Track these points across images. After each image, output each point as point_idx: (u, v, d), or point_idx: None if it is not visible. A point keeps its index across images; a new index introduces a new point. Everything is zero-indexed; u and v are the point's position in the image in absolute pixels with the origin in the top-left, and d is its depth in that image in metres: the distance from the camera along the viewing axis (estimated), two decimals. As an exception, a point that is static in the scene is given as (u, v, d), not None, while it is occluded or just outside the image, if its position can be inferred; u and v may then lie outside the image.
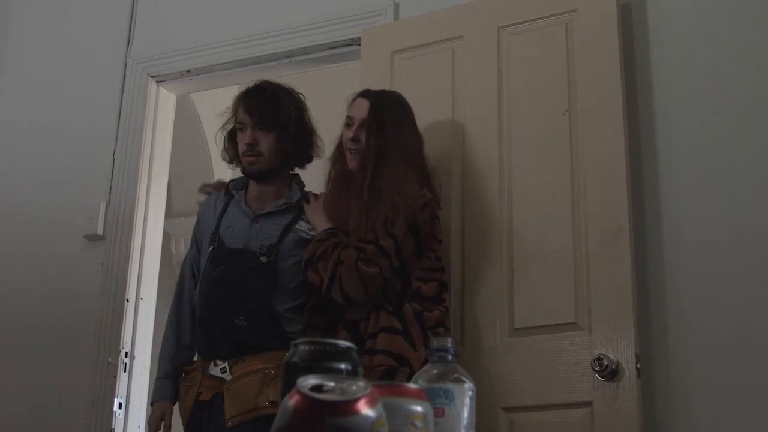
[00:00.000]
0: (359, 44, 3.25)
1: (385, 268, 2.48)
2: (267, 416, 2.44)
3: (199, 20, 3.75)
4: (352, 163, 2.66)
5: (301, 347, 0.95)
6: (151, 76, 3.73)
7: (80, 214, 3.61)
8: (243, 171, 2.80)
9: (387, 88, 3.06)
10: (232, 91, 4.06)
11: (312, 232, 2.65)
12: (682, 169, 2.73)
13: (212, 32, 3.66)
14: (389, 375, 2.34)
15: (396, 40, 3.15)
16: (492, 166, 2.83)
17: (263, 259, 2.63)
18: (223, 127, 2.84)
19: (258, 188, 2.78)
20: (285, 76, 3.69)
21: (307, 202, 2.74)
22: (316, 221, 2.66)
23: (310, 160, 2.84)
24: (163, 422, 2.66)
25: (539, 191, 2.75)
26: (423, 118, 2.99)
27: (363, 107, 2.68)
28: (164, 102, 3.78)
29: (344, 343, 0.95)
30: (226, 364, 2.56)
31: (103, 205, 3.59)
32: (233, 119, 2.79)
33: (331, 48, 3.43)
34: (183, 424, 2.64)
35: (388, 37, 3.18)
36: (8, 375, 3.53)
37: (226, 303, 2.60)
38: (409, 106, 2.75)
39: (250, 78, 3.61)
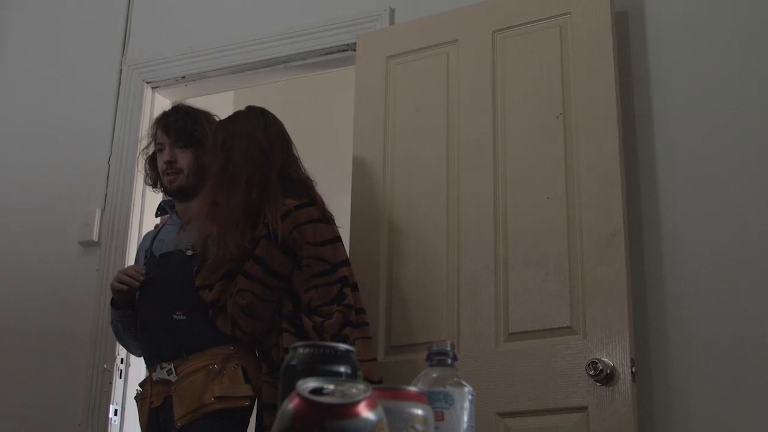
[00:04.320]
0: (355, 49, 3.25)
1: (258, 291, 2.49)
2: (214, 412, 2.47)
3: (194, 26, 3.75)
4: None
5: (300, 350, 0.95)
6: (147, 82, 3.73)
7: (76, 221, 3.61)
8: (164, 191, 2.88)
9: (382, 92, 3.08)
10: (227, 97, 4.06)
11: None
12: (678, 172, 2.74)
13: (207, 38, 3.66)
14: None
15: (391, 45, 3.16)
16: (486, 170, 2.83)
17: (189, 252, 2.67)
18: (143, 150, 2.93)
19: (182, 207, 2.82)
20: (280, 82, 3.71)
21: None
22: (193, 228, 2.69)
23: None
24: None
25: (534, 195, 2.75)
26: (418, 122, 3.00)
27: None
28: (160, 108, 3.75)
29: (343, 346, 0.95)
30: (171, 366, 2.57)
31: (98, 212, 3.59)
32: (153, 142, 2.87)
33: (326, 53, 3.43)
34: None
35: (384, 42, 3.19)
36: (3, 381, 3.52)
37: (163, 301, 2.63)
38: (269, 117, 2.74)
39: (246, 84, 3.62)
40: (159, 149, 2.83)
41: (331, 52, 3.41)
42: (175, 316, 2.59)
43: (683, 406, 2.55)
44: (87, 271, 3.53)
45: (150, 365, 2.67)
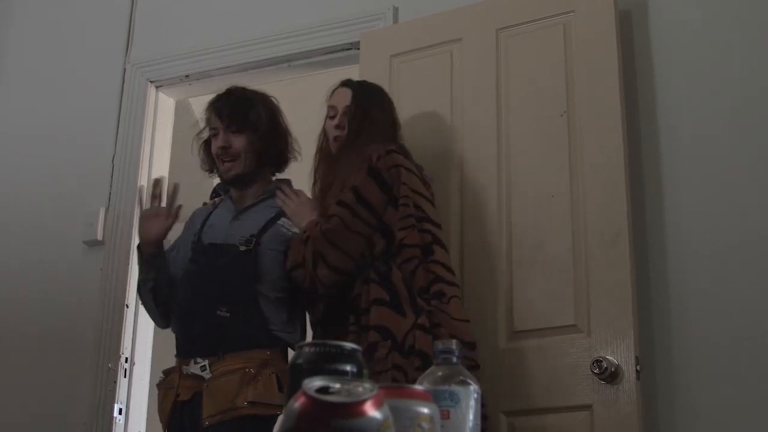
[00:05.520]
0: (358, 48, 3.25)
1: (347, 218, 2.42)
2: (244, 417, 2.40)
3: (197, 25, 3.75)
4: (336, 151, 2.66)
5: (307, 349, 0.95)
6: (150, 81, 3.73)
7: (80, 220, 3.61)
8: (221, 178, 2.80)
9: (386, 92, 3.07)
10: (230, 96, 4.07)
11: (294, 229, 2.61)
12: (683, 171, 2.74)
13: (211, 37, 3.66)
14: (370, 351, 2.27)
15: (395, 44, 3.16)
16: (491, 169, 2.83)
17: (242, 248, 2.59)
18: (197, 135, 2.85)
19: (238, 194, 2.77)
20: (284, 81, 3.71)
21: (281, 191, 2.71)
22: (298, 219, 2.61)
23: (286, 162, 2.82)
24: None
25: (538, 193, 2.75)
26: (422, 121, 3.00)
27: (345, 95, 2.70)
28: (163, 107, 3.78)
29: (350, 345, 0.95)
30: (206, 362, 2.50)
31: (102, 211, 3.59)
32: (206, 127, 2.80)
33: (330, 52, 3.43)
34: (163, 429, 2.61)
35: (387, 41, 3.19)
36: (8, 380, 3.52)
37: (208, 295, 2.56)
38: (389, 96, 2.78)
39: (249, 82, 3.61)
40: (213, 134, 2.75)
41: (335, 51, 3.41)
42: (218, 312, 2.52)
43: (687, 404, 2.55)
44: (91, 270, 3.53)
45: (182, 357, 2.58)
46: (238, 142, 2.70)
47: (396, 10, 3.32)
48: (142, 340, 3.45)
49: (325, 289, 2.46)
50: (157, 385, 2.66)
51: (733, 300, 2.58)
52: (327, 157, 2.70)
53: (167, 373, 2.62)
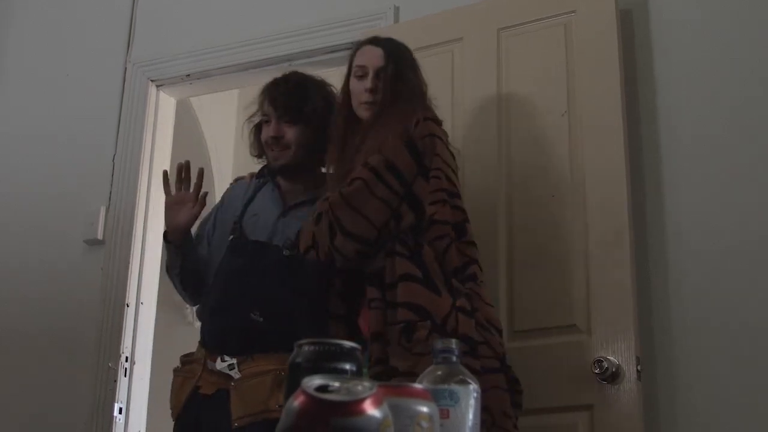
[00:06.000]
0: (359, 48, 3.25)
1: (371, 181, 2.23)
2: (276, 419, 2.36)
3: (198, 24, 3.75)
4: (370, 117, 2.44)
5: (306, 348, 0.95)
6: (151, 80, 3.73)
7: (80, 219, 3.61)
8: (268, 165, 2.70)
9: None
10: (232, 95, 4.07)
11: None
12: (684, 171, 2.74)
13: (212, 36, 3.66)
14: (408, 331, 2.11)
15: (395, 44, 3.15)
16: (491, 168, 2.83)
17: (286, 252, 2.49)
18: (249, 119, 2.74)
19: (284, 184, 2.68)
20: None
21: None
22: None
23: None
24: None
25: (539, 193, 2.75)
26: (423, 122, 2.99)
27: (376, 55, 2.47)
28: (164, 106, 3.78)
29: (349, 344, 0.95)
30: (234, 361, 2.42)
31: (103, 210, 3.59)
32: (259, 111, 2.69)
33: (331, 51, 3.43)
34: (173, 416, 2.56)
35: (388, 41, 3.18)
36: (8, 379, 3.52)
37: (244, 296, 2.47)
38: (414, 55, 2.58)
39: (250, 82, 3.63)
40: (265, 120, 2.66)
41: (336, 51, 3.40)
42: (252, 315, 2.43)
43: (688, 404, 2.54)
44: (92, 269, 3.53)
45: (209, 350, 2.50)
46: (291, 133, 2.61)
47: (397, 9, 3.32)
48: (143, 339, 3.45)
49: (343, 261, 2.28)
50: (175, 370, 2.60)
51: (734, 299, 2.58)
52: (353, 123, 2.48)
53: (187, 361, 2.56)
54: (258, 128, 2.71)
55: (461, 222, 2.31)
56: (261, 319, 2.43)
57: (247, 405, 2.37)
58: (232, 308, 2.49)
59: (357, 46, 2.58)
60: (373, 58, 2.47)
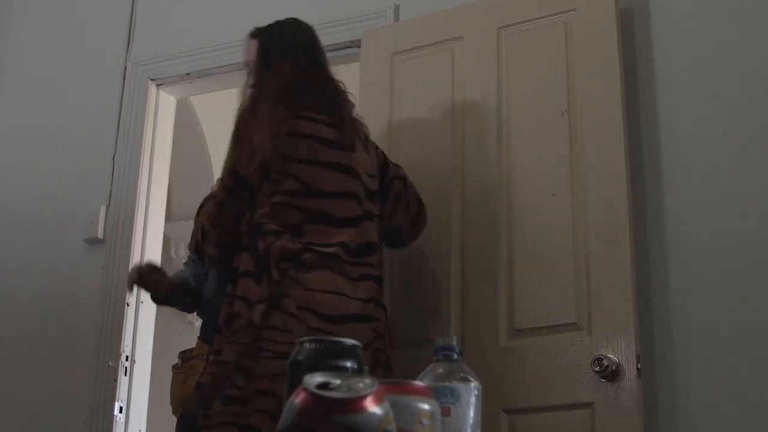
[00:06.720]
0: (359, 46, 3.25)
1: (222, 196, 2.35)
2: None
3: (199, 23, 3.75)
4: None
5: (307, 345, 0.95)
6: (151, 79, 3.73)
7: (80, 218, 3.61)
8: None
9: (387, 89, 3.06)
10: (232, 94, 4.06)
11: None
12: (683, 169, 2.74)
13: (212, 35, 3.66)
14: (231, 321, 2.23)
15: (396, 42, 3.15)
16: (492, 167, 2.83)
17: None
18: None
19: None
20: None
21: None
22: None
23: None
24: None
25: (539, 191, 2.75)
26: (423, 119, 2.99)
27: (252, 49, 2.56)
28: (164, 105, 3.77)
29: (350, 341, 0.95)
30: None
31: (103, 209, 3.59)
32: None
33: (331, 50, 3.40)
34: (174, 413, 2.55)
35: (389, 39, 3.19)
36: (8, 378, 3.52)
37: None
38: (307, 28, 2.61)
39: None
40: None
41: (336, 49, 3.39)
42: None
43: (688, 402, 2.54)
44: (92, 268, 3.53)
45: (208, 344, 2.54)
46: None
47: (397, 8, 3.32)
48: (143, 338, 3.45)
49: (211, 262, 2.43)
50: (174, 367, 2.61)
51: (734, 298, 2.58)
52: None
53: (186, 357, 2.58)
54: None
55: (299, 223, 2.29)
56: None
57: None
58: (221, 306, 2.50)
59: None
60: (249, 53, 2.56)
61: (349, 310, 2.25)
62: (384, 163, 2.59)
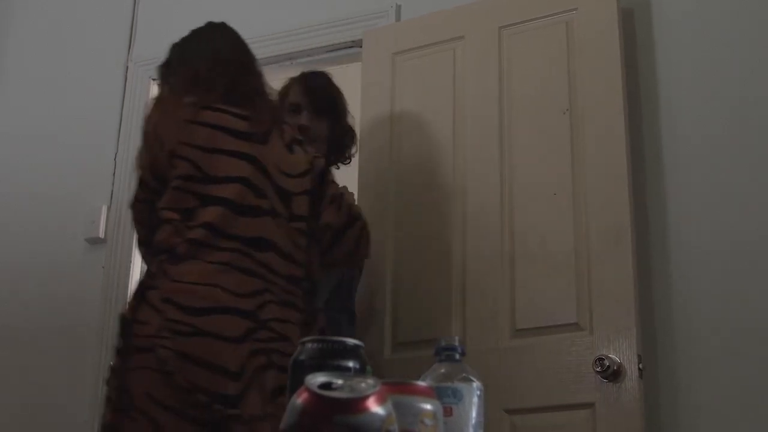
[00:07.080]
0: (361, 46, 3.25)
1: (136, 190, 2.38)
2: None
3: (200, 22, 3.74)
4: None
5: (309, 345, 0.95)
6: (153, 79, 3.72)
7: (82, 218, 3.61)
8: None
9: (388, 89, 3.07)
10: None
11: None
12: (685, 168, 2.74)
13: (213, 35, 3.65)
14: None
15: (397, 42, 3.15)
16: (493, 166, 2.83)
17: None
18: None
19: None
20: (284, 79, 3.70)
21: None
22: None
23: (348, 160, 2.77)
24: None
25: (540, 191, 2.75)
26: (424, 119, 3.00)
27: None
28: (165, 105, 3.77)
29: (352, 341, 0.95)
30: None
31: (104, 208, 3.59)
32: (287, 94, 2.72)
33: (332, 50, 3.43)
34: None
35: (390, 39, 3.19)
36: (9, 377, 3.52)
37: None
38: (224, 33, 2.63)
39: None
40: (293, 109, 2.67)
41: (338, 49, 3.41)
42: None
43: (690, 402, 2.54)
44: (93, 268, 3.53)
45: None
46: (320, 127, 2.65)
47: (398, 8, 3.32)
48: (144, 337, 3.45)
49: (143, 258, 2.47)
50: None
51: (735, 297, 2.58)
52: None
53: None
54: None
55: (191, 208, 2.24)
56: None
57: None
58: None
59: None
60: None
61: (219, 302, 2.13)
62: (321, 179, 2.42)
